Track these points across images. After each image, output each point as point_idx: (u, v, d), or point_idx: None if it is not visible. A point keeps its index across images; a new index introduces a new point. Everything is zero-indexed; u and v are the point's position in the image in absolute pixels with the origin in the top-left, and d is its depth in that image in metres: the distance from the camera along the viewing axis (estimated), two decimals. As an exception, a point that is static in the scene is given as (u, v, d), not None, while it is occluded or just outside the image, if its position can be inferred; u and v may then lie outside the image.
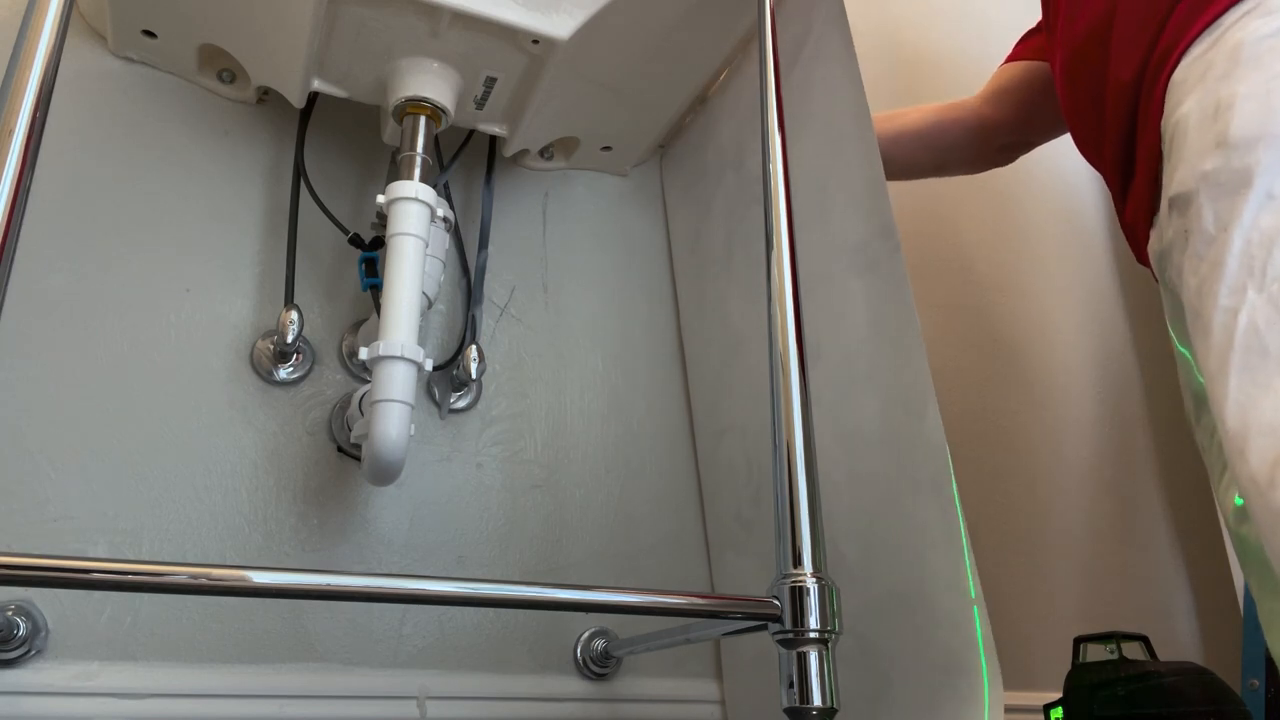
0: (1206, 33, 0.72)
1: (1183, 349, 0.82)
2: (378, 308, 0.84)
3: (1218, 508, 0.83)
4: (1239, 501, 0.74)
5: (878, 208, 0.83)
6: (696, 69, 1.03)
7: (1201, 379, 0.71)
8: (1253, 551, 0.76)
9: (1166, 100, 0.75)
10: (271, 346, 0.92)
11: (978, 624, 0.68)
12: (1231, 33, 0.70)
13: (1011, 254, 1.46)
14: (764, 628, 0.63)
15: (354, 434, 0.87)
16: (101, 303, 0.88)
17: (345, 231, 0.94)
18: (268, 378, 0.92)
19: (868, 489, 0.82)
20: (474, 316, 1.01)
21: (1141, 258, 0.84)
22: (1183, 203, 0.71)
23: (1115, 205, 0.88)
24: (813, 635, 0.61)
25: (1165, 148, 0.75)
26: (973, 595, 0.69)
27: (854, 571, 0.79)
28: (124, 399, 0.86)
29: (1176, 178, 0.72)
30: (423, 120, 0.88)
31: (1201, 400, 0.80)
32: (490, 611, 0.94)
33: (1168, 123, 0.74)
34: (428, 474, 0.97)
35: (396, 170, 0.87)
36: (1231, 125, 0.66)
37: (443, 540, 0.96)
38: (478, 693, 0.91)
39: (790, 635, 0.61)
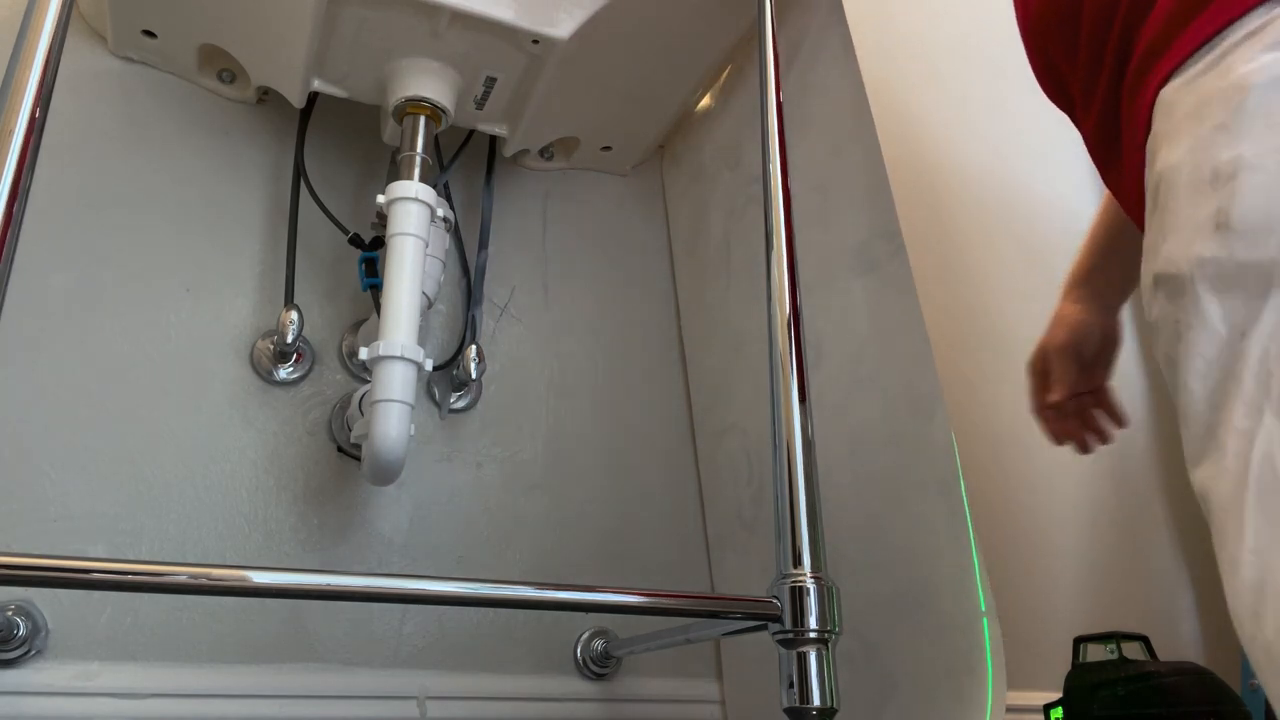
0: (1203, 49, 0.60)
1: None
2: (378, 308, 0.84)
3: None
4: None
5: (880, 209, 0.83)
6: (696, 69, 1.03)
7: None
8: None
9: (1154, 115, 0.63)
10: (271, 346, 0.92)
11: (986, 636, 0.68)
12: (1233, 61, 0.58)
13: (1012, 254, 1.46)
14: (764, 628, 0.63)
15: (354, 434, 0.87)
16: (101, 303, 0.88)
17: (345, 231, 0.94)
18: (268, 378, 0.92)
19: (874, 490, 0.81)
20: (474, 316, 1.01)
21: (1139, 224, 0.70)
22: (1173, 288, 0.59)
23: (1100, 171, 0.75)
24: (812, 635, 0.61)
25: (1150, 181, 0.63)
26: (983, 608, 0.68)
27: (860, 573, 0.79)
28: (124, 399, 0.86)
29: (1163, 251, 0.61)
30: (423, 120, 0.88)
31: None
32: (490, 611, 0.94)
33: (1151, 145, 0.63)
34: (428, 474, 0.97)
35: (396, 170, 0.87)
36: (1235, 205, 0.55)
37: (443, 540, 0.95)
38: (478, 693, 0.91)
39: (790, 635, 0.61)
